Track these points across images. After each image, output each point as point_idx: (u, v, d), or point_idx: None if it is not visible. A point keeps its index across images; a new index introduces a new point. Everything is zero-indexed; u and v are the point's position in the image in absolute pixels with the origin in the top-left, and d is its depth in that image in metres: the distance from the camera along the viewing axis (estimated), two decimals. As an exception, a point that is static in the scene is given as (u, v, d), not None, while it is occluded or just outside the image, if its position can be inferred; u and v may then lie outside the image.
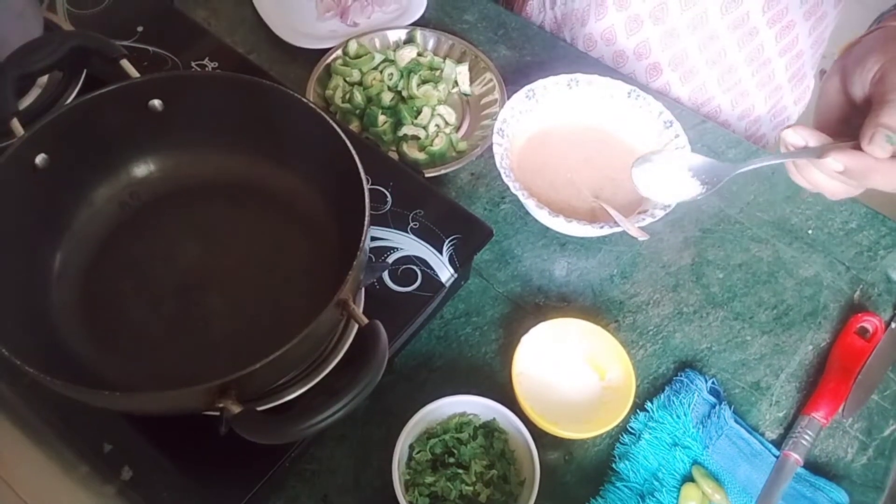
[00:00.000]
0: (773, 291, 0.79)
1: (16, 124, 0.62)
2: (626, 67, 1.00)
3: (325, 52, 0.92)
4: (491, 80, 0.91)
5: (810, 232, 0.84)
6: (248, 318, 0.63)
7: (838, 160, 0.53)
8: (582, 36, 1.01)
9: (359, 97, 0.87)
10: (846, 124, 0.57)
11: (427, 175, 0.81)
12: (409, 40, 0.94)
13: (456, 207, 0.73)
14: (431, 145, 0.84)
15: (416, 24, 0.96)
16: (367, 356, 0.50)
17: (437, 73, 0.91)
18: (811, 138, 0.56)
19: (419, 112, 0.86)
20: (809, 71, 1.05)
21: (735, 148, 0.89)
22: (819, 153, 0.55)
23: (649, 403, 0.70)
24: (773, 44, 0.96)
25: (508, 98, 0.82)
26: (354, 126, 0.87)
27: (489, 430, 0.66)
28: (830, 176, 0.56)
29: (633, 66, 1.00)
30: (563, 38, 1.04)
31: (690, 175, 0.62)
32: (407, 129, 0.85)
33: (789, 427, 0.71)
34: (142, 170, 0.69)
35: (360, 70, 0.90)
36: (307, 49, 0.93)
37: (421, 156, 0.84)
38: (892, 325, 0.76)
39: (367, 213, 0.56)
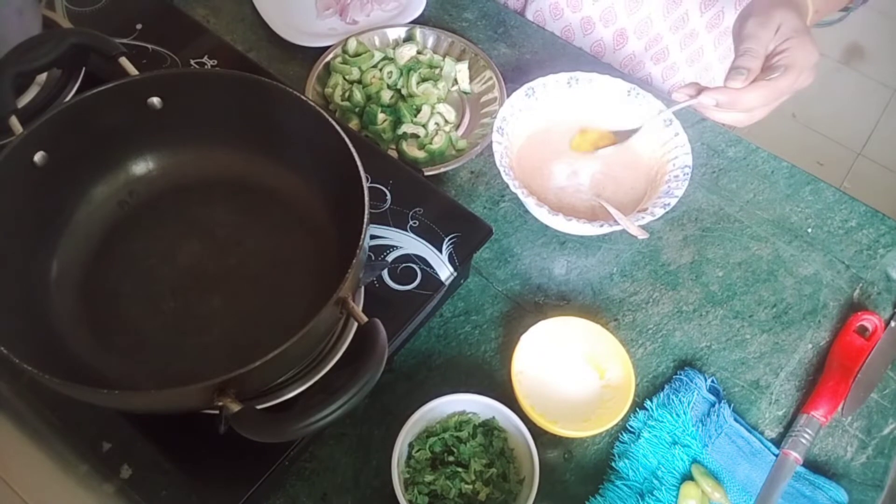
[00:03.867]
0: (773, 290, 0.79)
1: (14, 122, 0.62)
2: (593, 34, 1.03)
3: (324, 50, 0.91)
4: (490, 78, 0.91)
5: (810, 230, 0.84)
6: (246, 316, 0.63)
7: (709, 96, 0.69)
8: (548, 5, 1.03)
9: (358, 95, 0.87)
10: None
11: (426, 173, 0.81)
12: (409, 38, 0.94)
13: (455, 206, 0.73)
14: (431, 143, 0.84)
15: (415, 21, 0.96)
16: (366, 354, 0.50)
17: (437, 71, 0.91)
18: (692, 90, 0.72)
19: (419, 110, 0.86)
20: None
21: (735, 146, 0.89)
22: (697, 95, 0.71)
23: (649, 402, 0.70)
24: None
25: (508, 96, 0.82)
26: (354, 124, 0.86)
27: (488, 428, 0.66)
28: (720, 110, 0.71)
29: (601, 32, 1.03)
30: (524, 14, 1.05)
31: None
32: (406, 128, 0.85)
33: (789, 425, 0.71)
34: (141, 168, 0.69)
35: (360, 68, 0.90)
36: (306, 47, 0.92)
37: (420, 154, 0.84)
38: (892, 323, 0.76)
39: (366, 212, 0.56)
